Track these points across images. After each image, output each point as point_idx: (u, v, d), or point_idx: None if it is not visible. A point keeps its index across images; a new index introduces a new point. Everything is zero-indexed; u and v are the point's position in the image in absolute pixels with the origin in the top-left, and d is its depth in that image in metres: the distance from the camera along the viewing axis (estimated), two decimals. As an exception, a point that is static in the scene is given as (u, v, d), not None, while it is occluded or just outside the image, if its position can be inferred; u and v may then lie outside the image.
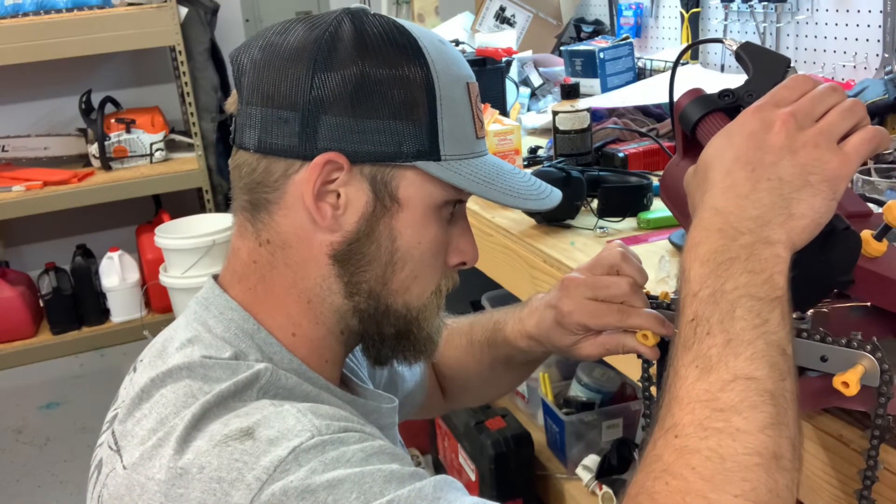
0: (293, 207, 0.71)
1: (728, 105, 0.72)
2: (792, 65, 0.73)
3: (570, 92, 1.59)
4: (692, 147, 0.76)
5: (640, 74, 2.23)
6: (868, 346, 0.65)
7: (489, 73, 2.08)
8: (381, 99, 0.69)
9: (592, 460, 1.68)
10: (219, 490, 0.60)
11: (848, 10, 1.77)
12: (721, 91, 0.73)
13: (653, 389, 0.86)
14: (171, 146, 3.48)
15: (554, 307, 0.89)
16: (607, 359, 1.29)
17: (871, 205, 0.77)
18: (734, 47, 0.76)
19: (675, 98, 0.90)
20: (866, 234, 0.68)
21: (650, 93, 1.95)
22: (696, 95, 0.74)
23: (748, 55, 0.75)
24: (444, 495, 0.61)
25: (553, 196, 0.80)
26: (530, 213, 1.43)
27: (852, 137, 0.61)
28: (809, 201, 0.59)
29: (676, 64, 0.91)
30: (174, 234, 3.06)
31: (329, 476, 0.59)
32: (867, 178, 1.10)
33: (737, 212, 0.60)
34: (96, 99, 3.32)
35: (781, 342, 0.57)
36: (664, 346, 0.84)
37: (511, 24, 2.72)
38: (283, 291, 0.74)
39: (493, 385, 1.10)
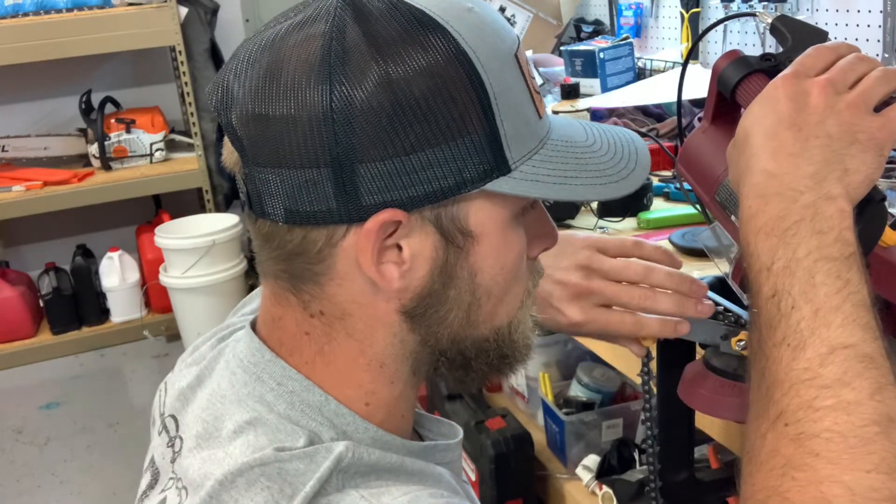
0: (348, 276, 0.59)
1: (769, 68, 0.71)
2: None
3: (570, 92, 1.60)
4: (723, 113, 0.75)
5: (640, 74, 2.23)
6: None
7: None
8: (423, 122, 0.55)
9: (592, 460, 1.68)
10: None
11: (848, 10, 1.77)
12: (762, 54, 0.72)
13: (652, 384, 0.86)
14: (171, 146, 3.47)
15: (559, 312, 0.83)
16: (607, 359, 1.29)
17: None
18: (769, 19, 0.75)
19: (680, 93, 0.90)
20: None
21: (650, 93, 1.95)
22: (735, 57, 0.73)
23: (786, 26, 0.73)
24: None
25: (641, 160, 0.67)
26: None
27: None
28: (861, 157, 0.58)
29: (691, 52, 0.91)
30: (174, 234, 3.05)
31: None
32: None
33: (791, 171, 0.58)
34: (96, 99, 3.32)
35: (865, 300, 0.55)
36: (663, 345, 0.84)
37: (511, 24, 2.72)
38: (349, 363, 0.62)
39: None
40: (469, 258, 0.60)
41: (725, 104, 0.74)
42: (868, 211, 0.61)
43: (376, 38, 0.55)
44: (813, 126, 0.59)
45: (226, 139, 0.60)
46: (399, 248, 0.58)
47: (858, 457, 0.50)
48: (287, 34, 0.57)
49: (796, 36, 0.72)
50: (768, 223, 0.57)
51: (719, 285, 0.87)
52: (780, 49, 0.72)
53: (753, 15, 0.88)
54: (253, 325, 0.67)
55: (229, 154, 0.60)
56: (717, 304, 0.81)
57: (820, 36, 0.71)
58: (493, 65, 0.57)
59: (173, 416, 0.68)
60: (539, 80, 2.30)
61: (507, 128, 0.58)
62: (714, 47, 2.19)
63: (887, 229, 0.67)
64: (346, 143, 0.54)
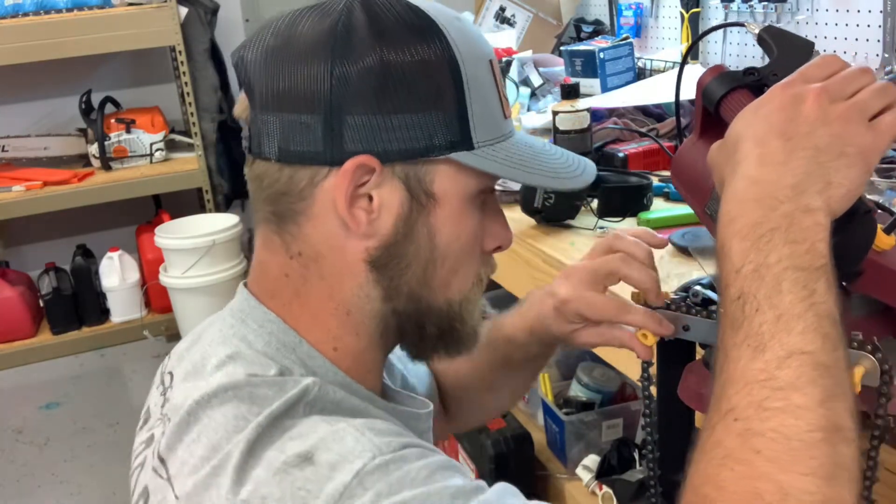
0: (323, 217, 0.68)
1: (752, 83, 0.71)
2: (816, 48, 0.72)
3: (570, 92, 1.60)
4: (711, 126, 0.75)
5: (640, 74, 2.23)
6: (868, 346, 0.65)
7: (489, 73, 2.08)
8: (406, 90, 0.66)
9: (592, 460, 1.68)
10: None
11: (848, 10, 1.77)
12: (745, 69, 0.72)
13: (653, 389, 0.86)
14: (171, 146, 3.47)
15: (552, 294, 0.88)
16: (607, 359, 1.29)
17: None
18: (756, 30, 0.76)
19: (678, 93, 0.90)
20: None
21: (650, 93, 1.95)
22: (720, 72, 0.73)
23: (772, 38, 0.73)
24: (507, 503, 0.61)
25: (588, 169, 0.77)
26: (534, 211, 1.43)
27: (885, 115, 0.60)
28: (846, 171, 0.58)
29: (689, 53, 0.91)
30: (174, 234, 3.06)
31: (396, 499, 0.57)
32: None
33: (774, 180, 0.59)
34: (96, 99, 3.32)
35: (830, 311, 0.56)
36: (663, 345, 0.84)
37: (511, 24, 2.72)
38: (320, 305, 0.71)
39: (493, 391, 1.05)
40: (429, 218, 0.69)
41: (711, 118, 0.74)
42: (854, 223, 0.61)
43: (378, 24, 0.66)
44: (802, 137, 0.59)
45: (241, 94, 0.72)
46: (370, 198, 0.68)
47: (798, 460, 0.52)
48: (303, 16, 0.69)
49: (781, 46, 0.72)
50: (744, 228, 0.59)
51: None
52: (768, 60, 0.73)
53: (742, 25, 0.88)
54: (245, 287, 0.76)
55: (242, 107, 0.71)
56: (717, 303, 0.81)
57: (806, 48, 0.71)
58: (471, 62, 0.69)
59: (171, 373, 0.76)
60: (539, 80, 2.31)
61: (476, 112, 0.69)
62: (714, 47, 2.20)
63: (881, 234, 0.67)
64: (339, 95, 0.65)
